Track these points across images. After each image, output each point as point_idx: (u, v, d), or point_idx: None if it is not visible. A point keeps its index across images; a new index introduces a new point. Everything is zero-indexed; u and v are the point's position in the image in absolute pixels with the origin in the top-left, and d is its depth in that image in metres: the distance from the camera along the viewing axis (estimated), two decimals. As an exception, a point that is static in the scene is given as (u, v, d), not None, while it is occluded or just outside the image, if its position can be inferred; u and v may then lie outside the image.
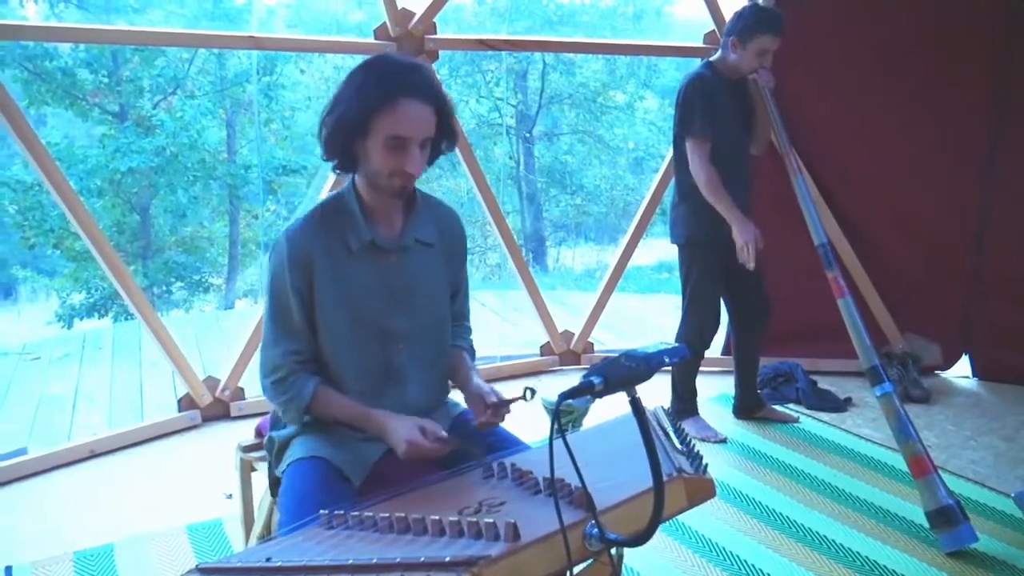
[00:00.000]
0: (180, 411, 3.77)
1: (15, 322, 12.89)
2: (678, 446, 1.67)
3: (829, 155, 4.19)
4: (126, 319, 10.24)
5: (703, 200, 3.23)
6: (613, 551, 1.50)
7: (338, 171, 1.86)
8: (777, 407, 3.86)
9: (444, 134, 1.81)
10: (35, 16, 11.94)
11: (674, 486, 1.49)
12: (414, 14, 3.76)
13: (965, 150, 4.10)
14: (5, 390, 5.56)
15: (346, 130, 1.74)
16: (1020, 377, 4.23)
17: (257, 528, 2.14)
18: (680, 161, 3.36)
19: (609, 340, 5.50)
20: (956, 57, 3.99)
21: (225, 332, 6.84)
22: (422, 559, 1.21)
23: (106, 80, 11.71)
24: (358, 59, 1.89)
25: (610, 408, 1.64)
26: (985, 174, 4.12)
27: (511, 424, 1.88)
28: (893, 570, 2.57)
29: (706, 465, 1.59)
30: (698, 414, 3.65)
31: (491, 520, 1.27)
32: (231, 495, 3.00)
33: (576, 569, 1.34)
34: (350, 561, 1.26)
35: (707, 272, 3.41)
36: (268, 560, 1.34)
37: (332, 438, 1.82)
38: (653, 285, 12.71)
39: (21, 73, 10.95)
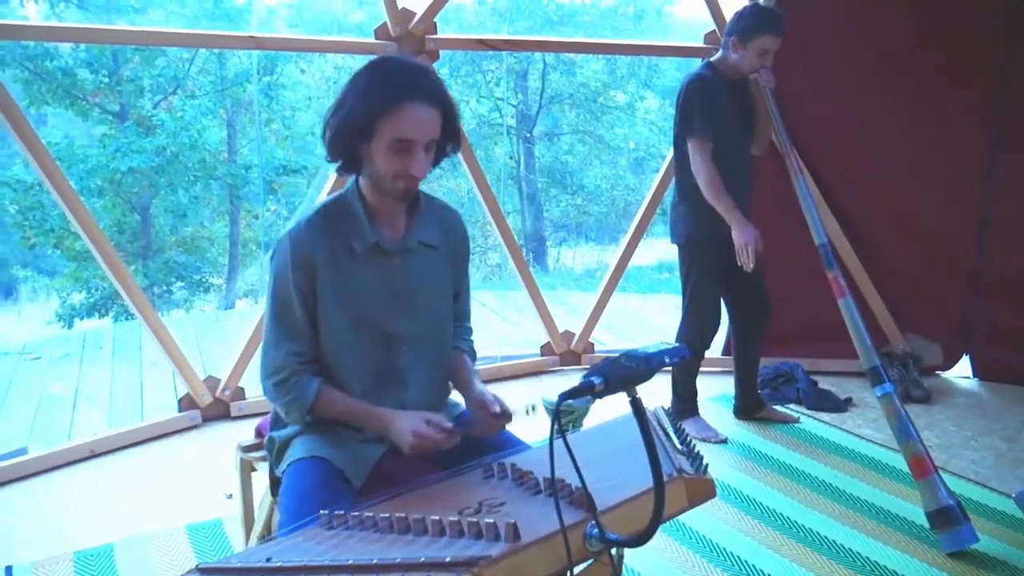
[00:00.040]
0: (180, 411, 3.77)
1: (15, 322, 12.89)
2: (678, 446, 1.67)
3: (830, 155, 4.19)
4: (126, 319, 10.25)
5: (703, 200, 3.22)
6: (613, 551, 1.50)
7: (342, 172, 1.85)
8: (778, 407, 3.86)
9: (449, 137, 1.80)
10: (35, 16, 11.95)
11: (674, 486, 1.49)
12: (415, 14, 3.76)
13: (965, 150, 4.10)
14: (5, 390, 5.57)
15: (350, 132, 1.73)
16: (1021, 377, 4.23)
17: (257, 528, 2.14)
18: (680, 161, 3.35)
19: (609, 340, 5.51)
20: (956, 57, 3.99)
21: (225, 332, 6.85)
22: (422, 559, 1.21)
23: (106, 80, 11.72)
24: (359, 59, 1.90)
25: (610, 408, 1.64)
26: (985, 174, 4.12)
27: (511, 424, 1.88)
28: (894, 571, 2.57)
29: (706, 465, 1.59)
30: (698, 414, 3.65)
31: (491, 520, 1.27)
32: (231, 495, 3.00)
33: (576, 569, 1.34)
34: (350, 561, 1.26)
35: (707, 272, 3.41)
36: (268, 560, 1.34)
37: (332, 438, 1.82)
38: (653, 285, 12.71)
39: (22, 73, 10.96)
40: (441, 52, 3.89)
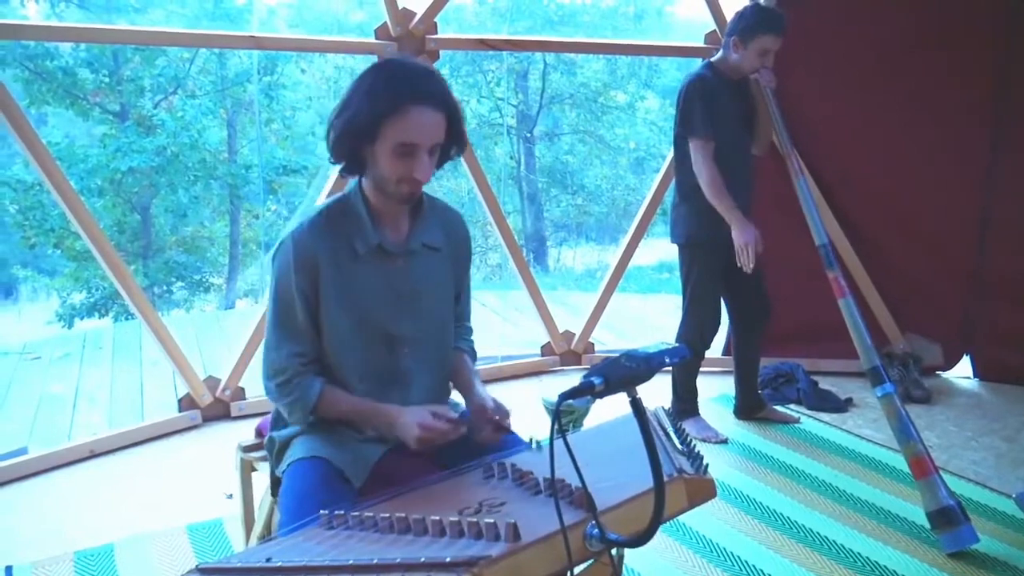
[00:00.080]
0: (180, 411, 3.77)
1: (16, 322, 12.89)
2: (679, 446, 1.67)
3: (830, 155, 4.18)
4: (127, 319, 10.25)
5: (704, 200, 3.22)
6: (614, 551, 1.50)
7: (345, 174, 1.84)
8: (778, 407, 3.86)
9: (453, 140, 1.80)
10: (36, 15, 11.95)
11: (675, 486, 1.49)
12: (415, 14, 3.76)
13: (966, 150, 4.10)
14: (5, 390, 5.57)
15: (354, 134, 1.73)
16: (1021, 377, 4.23)
17: (257, 528, 2.14)
18: (681, 161, 3.35)
19: (610, 340, 5.50)
20: (957, 57, 3.99)
21: (226, 332, 6.85)
22: (422, 559, 1.21)
23: (107, 80, 11.72)
24: (359, 59, 1.89)
25: (611, 408, 1.64)
26: (986, 174, 4.12)
27: (512, 424, 1.88)
28: (894, 571, 2.57)
29: (707, 465, 1.59)
30: (699, 414, 3.64)
31: (491, 520, 1.27)
32: (231, 495, 3.00)
33: (577, 569, 1.34)
34: (350, 561, 1.26)
35: (707, 272, 3.41)
36: (268, 560, 1.33)
37: (333, 438, 1.82)
38: (654, 285, 12.71)
39: (22, 72, 10.96)
40: (441, 52, 3.88)
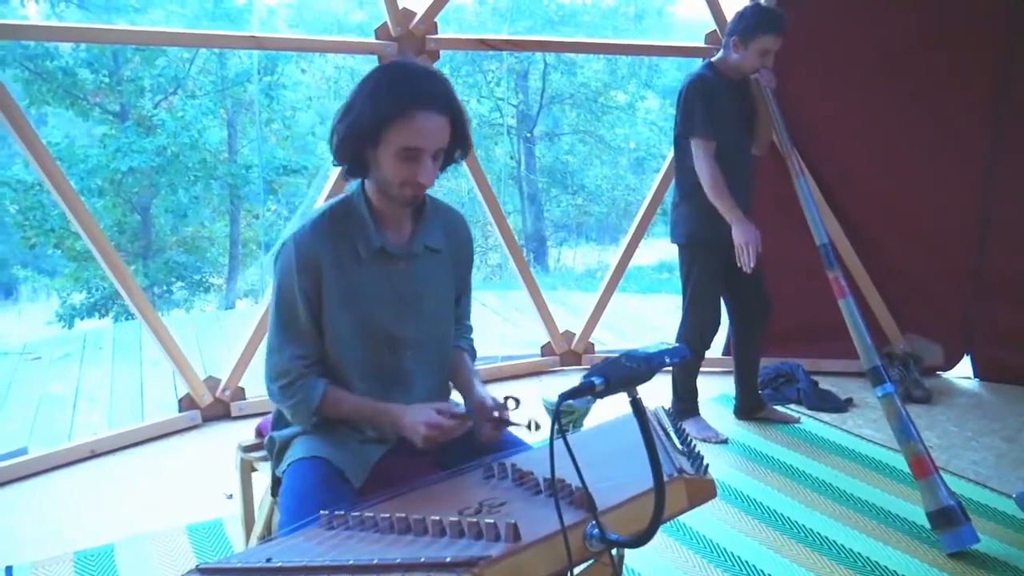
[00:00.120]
0: (180, 411, 3.77)
1: (16, 322, 12.89)
2: (679, 446, 1.67)
3: (830, 155, 4.18)
4: (127, 319, 10.25)
5: (704, 200, 3.22)
6: (614, 552, 1.50)
7: (348, 177, 1.84)
8: (778, 407, 3.86)
9: (457, 143, 1.79)
10: (36, 16, 11.95)
11: (675, 487, 1.49)
12: (415, 14, 3.75)
13: (966, 150, 4.10)
14: (6, 390, 5.57)
15: (358, 138, 1.72)
16: (1022, 378, 4.23)
17: (257, 528, 2.14)
18: (681, 161, 3.35)
19: (610, 340, 5.51)
20: (957, 57, 3.99)
21: (226, 332, 6.85)
22: (423, 559, 1.21)
23: (107, 80, 11.71)
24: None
25: (611, 408, 1.64)
26: (986, 174, 4.12)
27: (514, 416, 1.88)
28: (894, 571, 2.57)
29: (707, 466, 1.59)
30: (699, 414, 3.64)
31: (491, 520, 1.27)
32: (231, 495, 3.00)
33: (577, 570, 1.34)
34: (350, 561, 1.26)
35: (707, 272, 3.41)
36: (268, 560, 1.33)
37: (333, 438, 1.82)
38: (654, 285, 12.71)
39: (22, 73, 10.95)
40: (442, 52, 3.88)
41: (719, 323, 3.50)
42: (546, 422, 1.48)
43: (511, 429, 1.85)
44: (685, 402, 3.62)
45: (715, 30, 4.18)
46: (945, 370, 4.40)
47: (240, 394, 3.86)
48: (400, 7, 3.75)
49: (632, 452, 1.42)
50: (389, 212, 1.81)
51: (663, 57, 11.83)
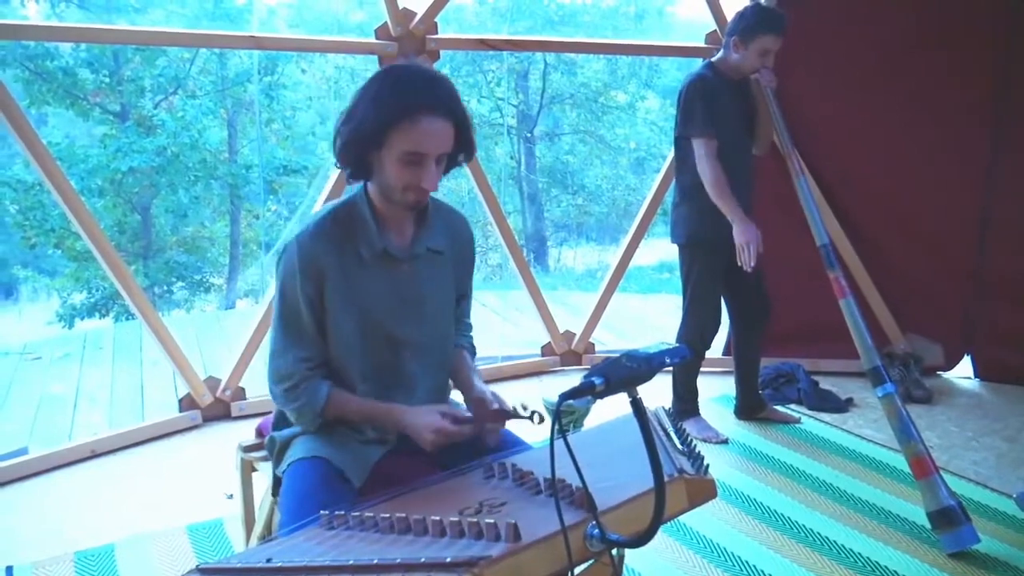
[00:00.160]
0: (181, 411, 3.77)
1: (16, 322, 12.90)
2: (679, 446, 1.67)
3: (830, 155, 4.18)
4: (127, 319, 10.26)
5: (704, 200, 3.22)
6: (614, 552, 1.50)
7: (351, 180, 1.83)
8: (778, 408, 3.86)
9: (461, 147, 1.78)
10: (36, 16, 11.95)
11: (675, 487, 1.49)
12: (415, 14, 3.75)
13: (966, 150, 4.10)
14: (6, 390, 5.57)
15: (361, 141, 1.71)
16: (1022, 378, 4.23)
17: (258, 528, 2.14)
18: (681, 161, 3.35)
19: (610, 340, 5.51)
20: (957, 57, 3.99)
21: (226, 332, 6.85)
22: (423, 559, 1.21)
23: (107, 80, 11.72)
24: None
25: (611, 408, 1.64)
26: (986, 174, 4.12)
27: (512, 424, 1.88)
28: (895, 571, 2.57)
29: (707, 466, 1.59)
30: (699, 414, 3.64)
31: (492, 520, 1.27)
32: (232, 495, 3.00)
33: (577, 570, 1.34)
34: (351, 562, 1.26)
35: (708, 272, 3.41)
36: (269, 560, 1.33)
37: (333, 438, 1.82)
38: (654, 285, 12.71)
39: (22, 73, 10.96)
40: (442, 52, 3.88)
41: (719, 323, 3.50)
42: (546, 422, 1.48)
43: (512, 428, 1.85)
44: (685, 402, 3.62)
45: (715, 30, 4.18)
46: (945, 370, 4.40)
47: (240, 394, 3.86)
48: (400, 7, 3.75)
49: (632, 452, 1.42)
50: (392, 214, 1.81)
51: (663, 57, 11.83)
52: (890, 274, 4.30)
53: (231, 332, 6.62)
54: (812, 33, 3.82)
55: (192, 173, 11.65)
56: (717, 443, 3.51)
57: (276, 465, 1.91)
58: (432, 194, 1.89)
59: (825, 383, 4.11)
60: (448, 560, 1.20)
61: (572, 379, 3.11)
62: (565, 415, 3.28)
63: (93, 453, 3.46)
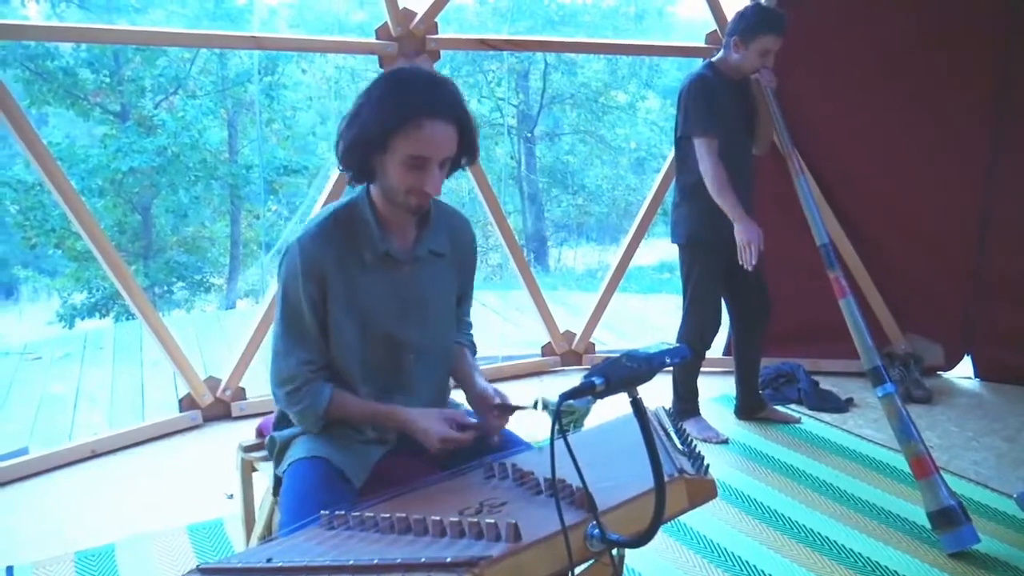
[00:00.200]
0: (181, 411, 3.77)
1: (16, 322, 12.91)
2: (679, 446, 1.67)
3: (830, 155, 4.18)
4: (127, 319, 10.26)
5: (704, 200, 3.22)
6: (614, 552, 1.50)
7: (353, 183, 1.82)
8: (779, 408, 3.86)
9: (465, 151, 1.77)
10: (36, 16, 11.95)
11: (675, 487, 1.49)
12: (416, 14, 3.75)
13: (966, 150, 4.10)
14: (6, 390, 5.57)
15: (365, 145, 1.71)
16: (1022, 378, 4.23)
17: (258, 528, 2.14)
18: (682, 161, 3.36)
19: (610, 340, 5.51)
20: (957, 57, 3.99)
21: (226, 332, 6.86)
22: (423, 559, 1.21)
23: (107, 80, 11.72)
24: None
25: (611, 408, 1.64)
26: (986, 174, 4.12)
27: (513, 424, 1.88)
28: (895, 571, 2.57)
29: (707, 466, 1.59)
30: (699, 414, 3.64)
31: (492, 520, 1.27)
32: (232, 495, 3.00)
33: (577, 570, 1.34)
34: (351, 562, 1.26)
35: (708, 272, 3.41)
36: (269, 560, 1.34)
37: (333, 438, 1.82)
38: (654, 285, 12.71)
39: (23, 73, 10.96)
40: (442, 52, 3.88)
41: (719, 323, 3.50)
42: (547, 421, 1.48)
43: (514, 427, 1.85)
44: (686, 402, 3.62)
45: (715, 30, 4.18)
46: (946, 370, 4.40)
47: (241, 394, 3.86)
48: (400, 7, 3.75)
49: (633, 452, 1.42)
50: (394, 216, 1.80)
51: (664, 57, 11.84)
52: (890, 274, 4.30)
53: (231, 332, 6.63)
54: (812, 33, 3.82)
55: (192, 173, 11.65)
56: (717, 443, 3.51)
57: (276, 465, 1.91)
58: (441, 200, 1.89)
59: (825, 383, 4.11)
60: (448, 560, 1.20)
61: (572, 379, 3.11)
62: (565, 415, 3.28)
63: (93, 453, 3.46)
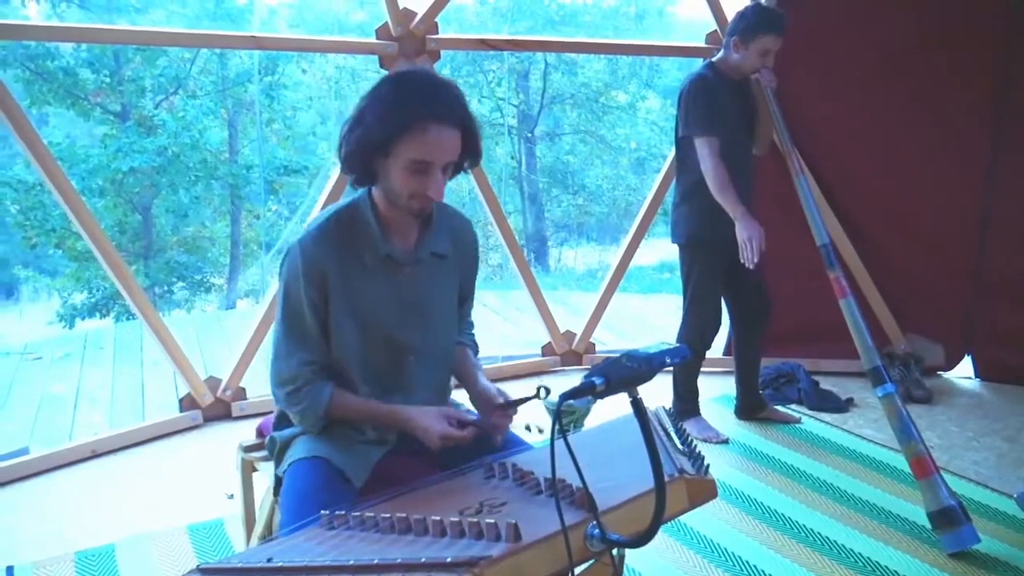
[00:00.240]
0: (181, 411, 3.77)
1: (17, 322, 12.91)
2: (680, 447, 1.67)
3: (830, 155, 4.19)
4: (128, 319, 10.26)
5: (705, 200, 3.22)
6: (614, 552, 1.50)
7: (356, 185, 1.82)
8: (779, 407, 3.86)
9: (468, 155, 1.77)
10: (37, 16, 11.96)
11: (676, 487, 1.49)
12: (416, 14, 3.75)
13: (966, 150, 4.10)
14: (7, 390, 5.58)
15: (368, 149, 1.70)
16: (1022, 378, 4.23)
17: (258, 528, 2.14)
18: (682, 162, 3.36)
19: (611, 340, 5.51)
20: (957, 57, 3.99)
21: (226, 332, 6.86)
22: (423, 559, 1.21)
23: (108, 80, 11.73)
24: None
25: (611, 408, 1.64)
26: (986, 174, 4.12)
27: (513, 424, 1.88)
28: (895, 571, 2.57)
29: (708, 466, 1.59)
30: (700, 414, 3.64)
31: (492, 520, 1.27)
32: (232, 495, 3.00)
33: (578, 570, 1.34)
34: (351, 561, 1.26)
35: (708, 272, 3.41)
36: (269, 560, 1.34)
37: (333, 438, 1.82)
38: (655, 285, 12.72)
39: (23, 73, 10.97)
40: (442, 52, 3.89)
41: (720, 323, 3.50)
42: (547, 421, 1.48)
43: (516, 425, 1.85)
44: (686, 402, 3.62)
45: (716, 30, 4.18)
46: (946, 370, 4.40)
47: (241, 394, 3.86)
48: (401, 7, 3.75)
49: (633, 452, 1.42)
50: (395, 218, 1.80)
51: (664, 57, 11.84)
52: (890, 274, 4.30)
53: (232, 332, 6.63)
54: (812, 33, 3.82)
55: (193, 173, 11.66)
56: (717, 443, 3.51)
57: (277, 465, 1.91)
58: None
59: (825, 383, 4.11)
60: (448, 560, 1.20)
61: (573, 379, 3.11)
62: (565, 415, 3.28)
63: (94, 453, 3.46)
